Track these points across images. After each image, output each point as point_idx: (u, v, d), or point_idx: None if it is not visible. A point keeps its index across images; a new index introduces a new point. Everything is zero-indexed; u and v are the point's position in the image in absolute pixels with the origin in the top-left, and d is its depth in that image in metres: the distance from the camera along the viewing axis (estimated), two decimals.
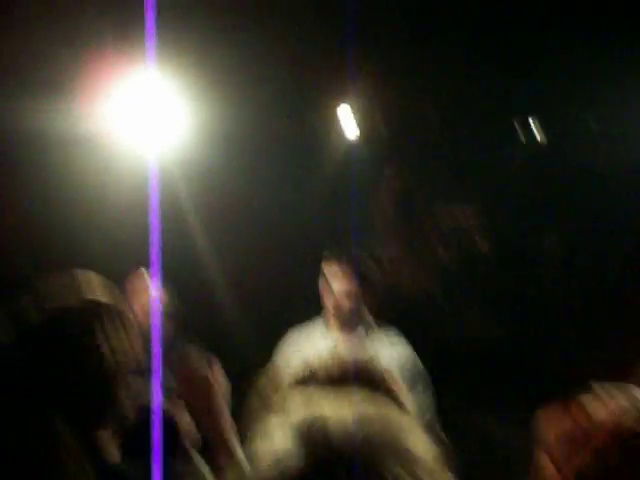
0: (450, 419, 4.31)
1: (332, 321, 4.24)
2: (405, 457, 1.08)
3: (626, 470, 1.54)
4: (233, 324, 7.17)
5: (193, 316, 6.14)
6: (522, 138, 9.90)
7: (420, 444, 1.12)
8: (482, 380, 6.93)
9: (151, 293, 4.25)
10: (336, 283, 4.16)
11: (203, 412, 2.17)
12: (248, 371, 1.99)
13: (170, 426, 2.15)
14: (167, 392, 2.31)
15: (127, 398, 2.09)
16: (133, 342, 2.10)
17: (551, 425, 1.60)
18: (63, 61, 5.47)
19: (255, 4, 6.59)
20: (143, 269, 4.35)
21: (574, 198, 9.82)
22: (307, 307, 4.40)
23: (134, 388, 2.12)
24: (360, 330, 4.14)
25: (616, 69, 8.13)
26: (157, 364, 1.96)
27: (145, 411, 2.06)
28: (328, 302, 4.23)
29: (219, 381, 2.21)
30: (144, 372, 4.14)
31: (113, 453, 2.04)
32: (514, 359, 8.13)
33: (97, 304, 2.11)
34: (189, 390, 2.17)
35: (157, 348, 4.19)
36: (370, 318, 4.23)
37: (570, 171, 10.13)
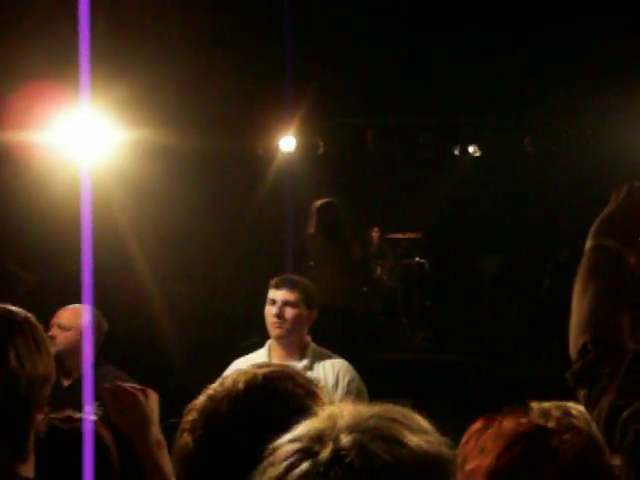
0: None
1: (275, 350, 4.20)
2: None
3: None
4: (175, 358, 7.09)
5: (130, 347, 6.07)
6: (459, 163, 10.05)
7: None
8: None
9: (78, 323, 4.18)
10: (281, 309, 4.14)
11: (136, 436, 2.10)
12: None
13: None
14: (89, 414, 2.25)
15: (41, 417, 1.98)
16: (47, 360, 1.97)
17: (470, 436, 1.69)
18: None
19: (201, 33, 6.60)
20: (75, 305, 4.26)
21: (508, 219, 10.03)
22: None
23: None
24: (305, 361, 4.10)
25: (551, 99, 8.35)
26: (88, 382, 1.88)
27: (58, 429, 1.99)
28: (271, 329, 4.19)
29: (153, 406, 2.15)
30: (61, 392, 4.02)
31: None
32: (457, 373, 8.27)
33: (8, 312, 1.95)
34: (122, 411, 2.11)
35: (87, 368, 4.09)
36: (316, 347, 4.21)
37: (503, 192, 10.34)
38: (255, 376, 1.61)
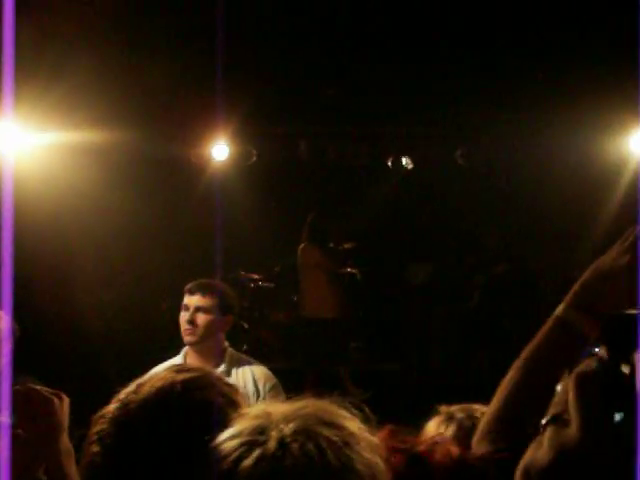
0: None
1: (191, 357, 4.12)
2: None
3: None
4: (100, 367, 6.95)
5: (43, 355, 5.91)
6: (392, 174, 10.09)
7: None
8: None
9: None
10: (193, 315, 4.06)
11: (46, 444, 1.99)
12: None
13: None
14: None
15: None
16: None
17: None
18: None
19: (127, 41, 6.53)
20: None
21: (438, 231, 10.12)
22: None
23: None
24: (222, 367, 4.03)
25: (483, 112, 8.44)
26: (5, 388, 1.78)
27: None
28: (183, 335, 4.11)
29: (65, 412, 2.04)
30: None
31: None
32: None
33: None
34: (35, 418, 2.00)
35: (6, 375, 3.96)
36: (234, 353, 4.14)
37: (434, 204, 10.43)
38: (174, 384, 1.50)
